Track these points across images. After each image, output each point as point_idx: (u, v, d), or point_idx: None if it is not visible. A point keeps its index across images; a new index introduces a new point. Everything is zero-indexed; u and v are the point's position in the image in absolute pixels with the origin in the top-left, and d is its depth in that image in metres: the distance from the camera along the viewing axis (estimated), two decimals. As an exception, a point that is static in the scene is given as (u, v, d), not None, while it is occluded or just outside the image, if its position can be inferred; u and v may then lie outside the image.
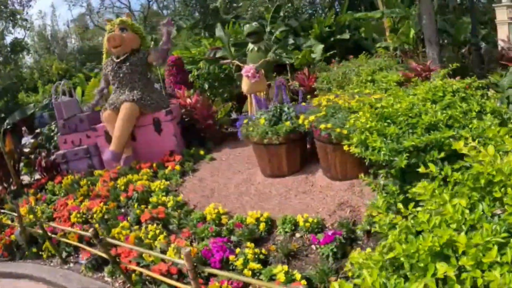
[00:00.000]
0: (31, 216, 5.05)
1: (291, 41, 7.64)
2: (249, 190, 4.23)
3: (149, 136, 5.58)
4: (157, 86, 7.26)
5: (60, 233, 4.35)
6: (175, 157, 5.33)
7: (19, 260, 4.81)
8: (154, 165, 5.20)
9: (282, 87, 4.73)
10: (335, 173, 3.87)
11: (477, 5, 12.16)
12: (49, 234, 4.24)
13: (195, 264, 2.33)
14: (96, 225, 4.41)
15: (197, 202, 4.28)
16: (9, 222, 5.44)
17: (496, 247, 1.32)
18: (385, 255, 1.53)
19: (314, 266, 2.92)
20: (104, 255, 3.29)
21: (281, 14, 9.02)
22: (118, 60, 5.61)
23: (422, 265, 1.41)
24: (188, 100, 6.27)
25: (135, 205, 4.37)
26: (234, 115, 6.79)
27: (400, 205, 1.95)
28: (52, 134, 6.69)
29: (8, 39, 15.90)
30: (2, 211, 5.45)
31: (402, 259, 1.48)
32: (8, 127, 6.18)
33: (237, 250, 3.20)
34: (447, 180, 1.88)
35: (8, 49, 14.02)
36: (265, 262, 3.11)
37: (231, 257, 3.08)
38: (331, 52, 8.71)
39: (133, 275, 3.32)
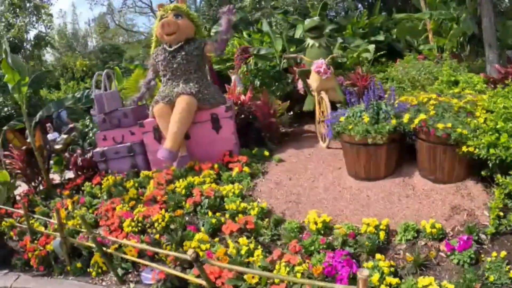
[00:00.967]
0: (70, 222, 4.40)
1: (339, 40, 7.13)
2: (343, 195, 3.73)
3: (205, 134, 4.93)
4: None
5: (113, 245, 3.71)
6: (237, 157, 4.71)
7: (59, 276, 4.11)
8: (216, 166, 4.57)
9: (372, 87, 4.19)
10: (441, 175, 3.57)
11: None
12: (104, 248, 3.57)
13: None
14: (157, 236, 3.78)
15: (284, 209, 3.70)
16: (42, 228, 4.75)
17: None
18: None
19: (451, 274, 2.71)
20: (195, 280, 2.68)
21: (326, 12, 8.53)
22: (172, 49, 5.00)
23: None
24: (242, 97, 5.67)
25: (209, 213, 3.74)
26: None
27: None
28: (86, 130, 6.03)
29: (31, 34, 15.43)
30: (36, 216, 4.77)
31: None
32: (35, 122, 5.50)
33: (370, 264, 2.70)
34: None
35: (32, 43, 13.48)
36: (394, 275, 2.70)
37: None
38: (381, 53, 8.19)
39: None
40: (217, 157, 4.81)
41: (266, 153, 4.86)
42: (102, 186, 5.05)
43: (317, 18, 6.04)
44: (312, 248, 2.97)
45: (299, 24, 8.16)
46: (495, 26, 7.50)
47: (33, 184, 5.86)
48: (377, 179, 3.80)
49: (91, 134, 5.97)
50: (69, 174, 6.26)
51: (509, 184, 2.90)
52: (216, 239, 3.47)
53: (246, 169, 4.40)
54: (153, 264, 3.18)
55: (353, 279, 2.60)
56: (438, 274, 2.75)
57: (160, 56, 5.08)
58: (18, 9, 14.42)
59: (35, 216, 4.81)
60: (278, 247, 3.18)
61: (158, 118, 4.83)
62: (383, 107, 3.83)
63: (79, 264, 3.96)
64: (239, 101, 5.57)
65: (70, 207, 4.95)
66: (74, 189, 5.47)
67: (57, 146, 5.91)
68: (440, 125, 3.33)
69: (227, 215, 3.67)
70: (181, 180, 4.35)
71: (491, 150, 3.05)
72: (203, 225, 3.71)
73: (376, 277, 2.55)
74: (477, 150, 3.14)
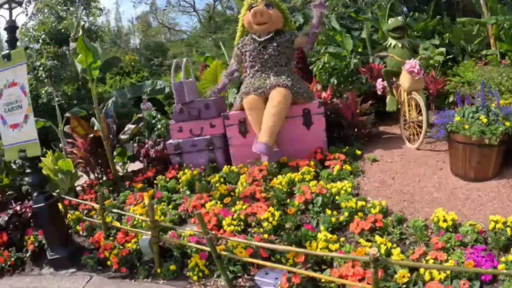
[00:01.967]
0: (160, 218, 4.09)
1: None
2: (455, 195, 3.63)
3: (295, 129, 4.67)
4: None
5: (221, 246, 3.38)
6: (331, 155, 4.46)
7: (145, 279, 3.59)
8: (312, 163, 4.31)
9: (482, 91, 3.99)
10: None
11: None
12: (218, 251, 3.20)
13: None
14: (265, 236, 3.49)
15: (401, 207, 3.57)
16: (117, 224, 4.34)
17: None
18: None
19: None
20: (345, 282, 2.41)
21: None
22: (263, 39, 4.75)
23: None
24: (323, 94, 5.43)
25: (327, 211, 3.48)
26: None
27: None
28: (153, 121, 5.75)
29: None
30: (114, 210, 4.40)
31: None
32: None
33: (509, 257, 2.62)
34: None
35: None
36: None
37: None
38: (450, 56, 7.98)
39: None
40: (306, 154, 4.57)
41: (358, 152, 4.62)
42: (180, 180, 4.78)
43: (401, 17, 5.82)
44: (448, 245, 2.92)
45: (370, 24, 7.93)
46: None
47: (96, 175, 5.58)
48: (484, 180, 3.75)
49: (159, 126, 5.69)
50: (132, 166, 5.99)
51: None
52: (342, 238, 3.21)
53: (347, 167, 4.16)
54: (284, 267, 2.90)
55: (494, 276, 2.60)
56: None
57: (248, 46, 4.84)
58: (69, 2, 14.31)
59: (114, 211, 4.43)
60: (405, 246, 3.09)
61: (248, 110, 4.57)
62: (493, 109, 3.76)
63: (172, 267, 3.50)
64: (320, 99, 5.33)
65: (146, 202, 4.65)
66: (144, 182, 5.19)
67: (123, 136, 5.63)
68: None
69: (345, 214, 3.42)
70: (279, 176, 4.09)
71: None
72: (316, 224, 3.46)
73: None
74: None
